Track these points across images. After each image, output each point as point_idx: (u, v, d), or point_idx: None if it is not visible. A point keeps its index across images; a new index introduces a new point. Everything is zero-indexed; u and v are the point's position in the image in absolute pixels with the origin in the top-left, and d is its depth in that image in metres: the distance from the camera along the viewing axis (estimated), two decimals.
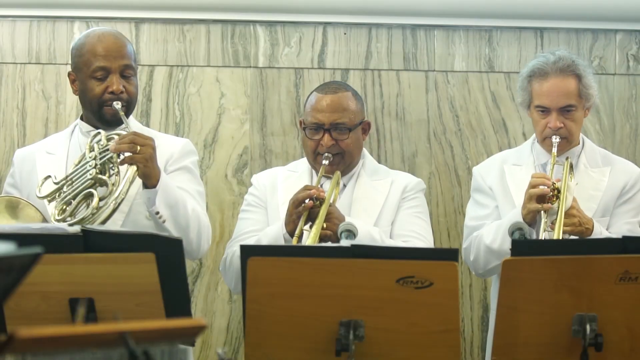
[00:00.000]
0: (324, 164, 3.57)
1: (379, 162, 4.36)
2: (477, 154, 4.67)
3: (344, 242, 3.10)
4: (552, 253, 2.93)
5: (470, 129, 4.73)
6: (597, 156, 3.85)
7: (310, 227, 3.40)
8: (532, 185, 3.58)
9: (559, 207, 3.52)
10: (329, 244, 3.33)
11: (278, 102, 4.67)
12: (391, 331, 2.85)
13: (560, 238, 3.46)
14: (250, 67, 4.68)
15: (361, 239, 3.27)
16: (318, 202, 3.43)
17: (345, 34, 4.72)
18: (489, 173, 3.86)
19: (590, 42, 4.78)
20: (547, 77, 3.73)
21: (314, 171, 3.70)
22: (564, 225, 3.52)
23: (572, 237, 3.58)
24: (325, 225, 3.40)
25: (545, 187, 3.55)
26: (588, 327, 2.88)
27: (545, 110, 3.73)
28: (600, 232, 3.59)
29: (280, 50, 4.69)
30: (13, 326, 2.85)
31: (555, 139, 3.69)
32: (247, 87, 4.67)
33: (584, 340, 2.89)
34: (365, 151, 3.76)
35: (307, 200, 3.43)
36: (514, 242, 3.02)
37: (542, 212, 3.56)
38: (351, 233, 3.24)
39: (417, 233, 3.62)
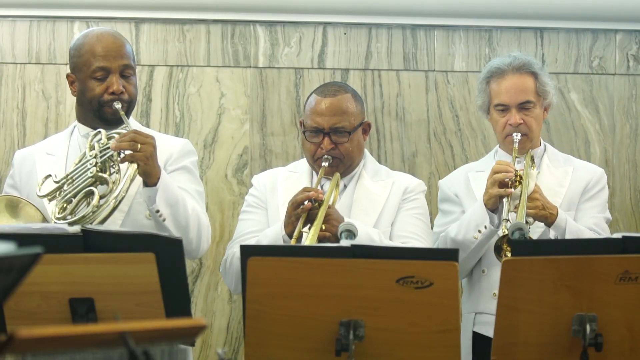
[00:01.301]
0: (324, 166, 3.57)
1: (379, 162, 4.36)
2: (477, 154, 4.66)
3: (344, 242, 3.10)
4: (552, 253, 2.93)
5: (470, 129, 4.73)
6: (559, 157, 3.93)
7: (309, 228, 3.40)
8: (495, 171, 3.65)
9: (521, 192, 3.56)
10: (329, 244, 3.33)
11: (278, 102, 4.68)
12: (391, 331, 2.85)
13: (523, 220, 3.50)
14: (250, 67, 4.68)
15: (359, 240, 3.26)
16: (317, 203, 3.43)
17: (345, 34, 4.72)
18: (454, 182, 3.93)
19: (590, 42, 4.79)
20: (505, 76, 3.82)
21: (314, 172, 3.69)
22: (527, 208, 3.57)
23: (536, 221, 3.63)
24: (324, 227, 3.40)
25: (508, 173, 3.60)
26: (588, 327, 2.88)
27: (504, 109, 3.80)
28: (565, 218, 3.64)
29: (280, 50, 4.69)
30: (13, 326, 2.84)
31: (516, 136, 3.76)
32: (247, 87, 4.67)
33: (584, 340, 2.89)
34: (366, 152, 3.76)
35: (305, 202, 3.43)
36: (514, 242, 3.02)
37: (506, 198, 3.60)
38: (351, 233, 3.23)
39: (416, 234, 3.61)
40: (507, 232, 3.45)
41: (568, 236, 3.60)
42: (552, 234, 3.62)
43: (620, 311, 2.91)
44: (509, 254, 3.44)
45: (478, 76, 3.95)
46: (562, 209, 3.69)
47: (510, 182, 3.61)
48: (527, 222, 3.56)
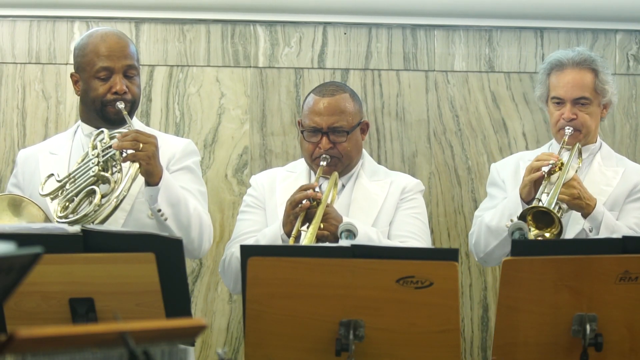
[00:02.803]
0: (322, 165, 3.57)
1: (379, 162, 4.36)
2: (477, 154, 4.66)
3: (344, 242, 3.10)
4: (552, 253, 2.93)
5: (470, 129, 4.72)
6: (612, 157, 3.93)
7: (308, 227, 3.40)
8: (537, 159, 3.65)
9: (558, 176, 3.56)
10: (328, 244, 3.33)
11: (278, 102, 4.67)
12: (391, 331, 2.85)
13: (553, 202, 3.50)
14: (250, 67, 4.68)
15: (359, 240, 3.27)
16: (315, 202, 3.43)
17: (345, 34, 4.72)
18: (504, 168, 3.94)
19: (590, 42, 4.78)
20: (564, 69, 3.83)
21: (312, 171, 3.69)
22: (562, 194, 3.57)
23: (569, 208, 3.62)
24: (322, 226, 3.40)
25: (546, 161, 3.61)
26: (588, 327, 2.88)
27: (560, 102, 3.81)
28: (602, 212, 3.63)
29: (280, 50, 4.69)
30: (13, 326, 2.85)
31: (568, 130, 3.76)
32: (247, 87, 4.67)
33: (584, 340, 2.89)
34: (364, 152, 3.76)
35: (304, 201, 3.43)
36: (514, 242, 3.02)
37: (544, 182, 3.60)
38: (351, 233, 3.23)
39: (414, 234, 3.61)
40: (538, 204, 3.47)
41: (603, 230, 3.61)
42: (586, 226, 3.62)
43: (620, 311, 2.91)
44: (532, 228, 3.46)
45: (540, 67, 3.98)
46: (605, 207, 3.68)
47: (550, 169, 3.60)
48: (559, 208, 3.55)
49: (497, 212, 3.70)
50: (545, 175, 3.61)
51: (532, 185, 3.63)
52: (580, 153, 3.80)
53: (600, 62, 3.86)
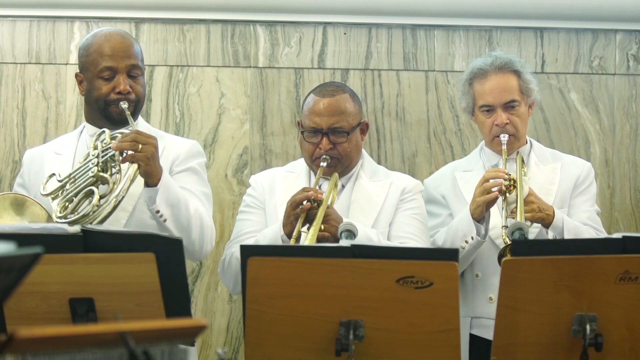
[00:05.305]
0: (322, 166, 3.57)
1: (379, 162, 4.36)
2: None
3: (344, 242, 3.10)
4: (552, 253, 2.93)
5: (470, 129, 4.73)
6: (546, 154, 3.92)
7: (308, 228, 3.40)
8: (485, 179, 3.63)
9: (517, 195, 3.55)
10: (328, 244, 3.32)
11: (278, 102, 4.68)
12: (391, 331, 2.85)
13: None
14: (250, 67, 4.68)
15: (359, 240, 3.26)
16: (316, 203, 3.43)
17: (345, 34, 4.72)
18: (440, 183, 3.91)
19: (590, 42, 4.79)
20: (488, 76, 3.81)
21: (312, 172, 3.69)
22: (525, 212, 3.56)
23: (532, 223, 3.62)
24: (323, 227, 3.40)
25: (499, 180, 3.60)
26: (588, 327, 2.88)
27: (490, 109, 3.80)
28: (562, 218, 3.64)
29: (280, 50, 4.69)
30: (13, 326, 2.85)
31: (504, 137, 3.75)
32: (247, 87, 4.68)
33: (584, 340, 2.89)
34: (364, 152, 3.76)
35: (304, 202, 3.43)
36: (514, 242, 3.02)
37: (502, 203, 3.60)
38: (351, 233, 3.23)
39: (414, 235, 3.61)
40: (509, 242, 3.44)
41: (567, 235, 3.61)
42: (550, 235, 3.62)
43: (620, 311, 2.91)
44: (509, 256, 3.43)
45: (460, 78, 3.95)
46: (554, 206, 3.69)
47: (504, 188, 3.60)
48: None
49: (449, 234, 3.69)
50: (502, 197, 3.60)
51: (485, 205, 3.62)
52: (523, 162, 3.79)
53: (520, 62, 3.85)
